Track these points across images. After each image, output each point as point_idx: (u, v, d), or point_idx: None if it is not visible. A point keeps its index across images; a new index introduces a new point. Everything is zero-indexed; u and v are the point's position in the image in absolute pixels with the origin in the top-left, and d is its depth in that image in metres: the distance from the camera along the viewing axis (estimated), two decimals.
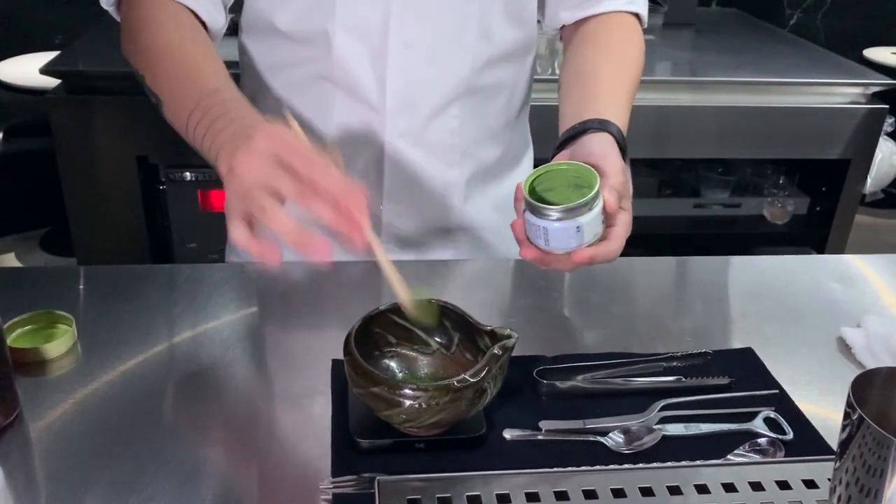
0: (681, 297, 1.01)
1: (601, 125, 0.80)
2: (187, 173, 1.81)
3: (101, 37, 1.96)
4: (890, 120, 2.19)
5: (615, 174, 0.73)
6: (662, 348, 0.80)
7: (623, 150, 0.80)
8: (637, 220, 2.23)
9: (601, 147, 0.76)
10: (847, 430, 0.53)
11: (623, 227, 0.73)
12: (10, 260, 2.93)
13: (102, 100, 1.75)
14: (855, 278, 1.01)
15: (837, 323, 0.87)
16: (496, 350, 0.65)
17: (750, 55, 2.14)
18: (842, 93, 1.95)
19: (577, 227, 0.68)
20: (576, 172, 0.72)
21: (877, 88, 1.95)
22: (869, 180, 1.99)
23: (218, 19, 0.92)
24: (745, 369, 0.79)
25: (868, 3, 3.88)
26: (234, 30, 1.01)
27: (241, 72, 1.03)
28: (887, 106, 1.92)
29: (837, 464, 0.55)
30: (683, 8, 2.33)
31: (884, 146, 2.38)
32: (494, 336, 0.66)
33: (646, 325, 0.91)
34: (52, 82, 1.81)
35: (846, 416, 0.53)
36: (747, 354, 0.82)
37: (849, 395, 0.52)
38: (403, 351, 0.71)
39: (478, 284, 1.00)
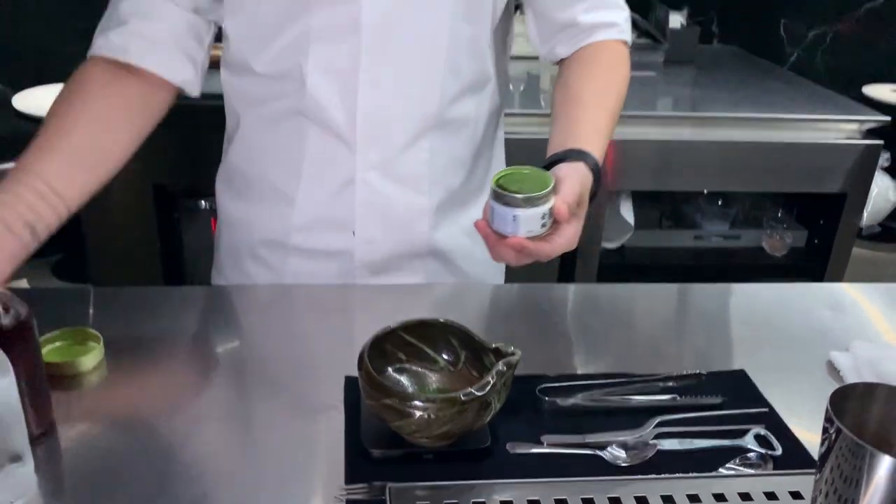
0: (678, 321, 1.05)
1: (579, 155, 0.87)
2: (202, 202, 1.87)
3: None
4: (885, 155, 2.24)
5: (569, 189, 0.81)
6: (659, 370, 0.85)
7: (597, 176, 0.88)
8: (639, 251, 2.25)
9: (568, 170, 0.84)
10: (826, 442, 0.57)
11: (564, 239, 0.81)
12: (23, 286, 2.99)
13: None
14: (845, 306, 1.05)
15: (827, 347, 0.91)
16: (501, 366, 0.69)
17: (749, 92, 2.20)
18: (838, 129, 2.01)
19: (514, 217, 0.77)
20: (536, 176, 0.80)
21: (872, 125, 2.00)
22: (865, 214, 2.04)
23: (185, 74, 0.97)
24: (738, 390, 0.83)
25: (867, 40, 3.95)
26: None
27: (225, 103, 1.08)
28: (882, 142, 1.98)
29: (818, 475, 0.59)
30: (684, 45, 2.40)
31: (879, 181, 2.43)
32: (499, 353, 0.71)
33: (644, 348, 0.95)
34: None
35: (825, 430, 0.57)
36: (739, 376, 0.86)
37: (827, 409, 0.57)
38: (413, 367, 0.76)
39: (480, 308, 1.05)
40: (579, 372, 0.86)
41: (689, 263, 2.15)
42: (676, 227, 2.19)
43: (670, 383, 0.82)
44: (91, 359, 0.81)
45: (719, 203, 2.17)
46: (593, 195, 0.88)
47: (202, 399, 0.81)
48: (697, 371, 0.83)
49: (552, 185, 0.78)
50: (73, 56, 3.01)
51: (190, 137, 1.77)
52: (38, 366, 0.71)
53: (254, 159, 1.05)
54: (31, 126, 2.74)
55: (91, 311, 0.95)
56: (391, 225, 1.03)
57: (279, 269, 1.06)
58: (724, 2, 3.90)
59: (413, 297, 1.04)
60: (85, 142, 0.91)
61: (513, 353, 0.70)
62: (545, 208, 0.77)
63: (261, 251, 1.07)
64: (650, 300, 1.08)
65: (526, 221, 0.77)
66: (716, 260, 2.17)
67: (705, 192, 2.19)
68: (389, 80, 0.95)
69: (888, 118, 1.99)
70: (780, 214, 2.18)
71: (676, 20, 2.43)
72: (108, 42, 0.94)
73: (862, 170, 1.98)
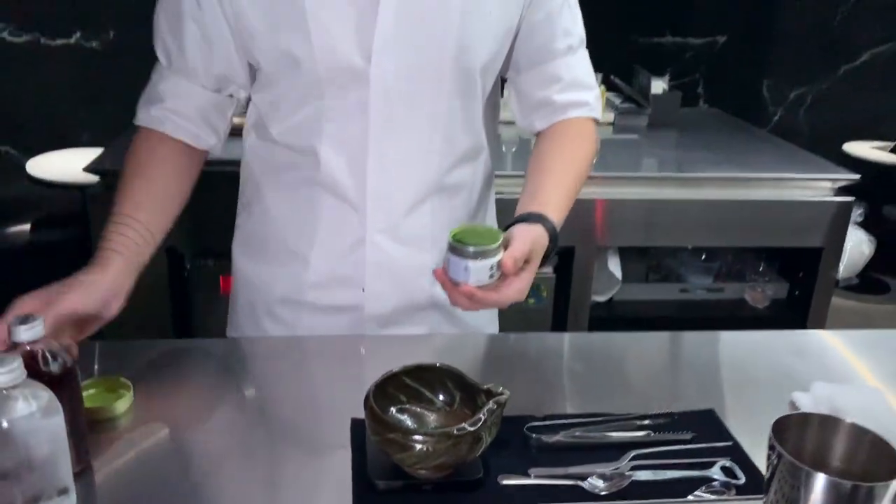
0: (655, 366, 1.14)
1: (537, 219, 0.99)
2: (210, 261, 1.97)
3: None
4: (859, 210, 2.35)
5: (518, 247, 0.92)
6: (636, 410, 0.93)
7: (553, 237, 0.99)
8: (628, 304, 2.35)
9: (522, 230, 0.96)
10: (770, 466, 0.66)
11: (513, 290, 0.92)
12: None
13: None
14: (808, 351, 1.15)
15: (790, 388, 1.00)
16: (491, 405, 0.78)
17: (729, 152, 2.33)
18: (813, 187, 2.13)
19: (465, 267, 0.88)
20: (488, 232, 0.92)
21: (844, 182, 2.12)
22: (841, 267, 2.14)
23: (210, 141, 1.12)
24: (707, 427, 0.92)
25: (847, 100, 4.12)
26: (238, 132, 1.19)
27: (242, 170, 1.20)
28: (853, 198, 2.09)
29: (765, 496, 0.68)
30: (666, 109, 2.53)
31: (854, 235, 2.54)
32: (490, 394, 0.80)
33: (623, 391, 1.04)
34: (81, 177, 2.00)
35: (769, 455, 0.66)
36: (708, 415, 0.95)
37: (770, 437, 0.65)
38: (413, 408, 0.85)
39: (476, 354, 1.14)
40: (563, 412, 0.94)
41: (675, 315, 2.25)
42: (663, 281, 2.30)
43: (646, 421, 0.91)
44: (123, 404, 0.89)
45: (703, 258, 2.27)
46: (548, 254, 0.99)
47: (223, 439, 0.89)
48: (670, 411, 0.92)
49: (500, 241, 0.89)
50: (83, 122, 3.13)
51: (198, 204, 1.88)
52: (79, 409, 0.80)
53: (271, 224, 1.15)
54: (44, 190, 2.85)
55: (120, 361, 1.04)
56: (397, 281, 1.13)
57: (293, 324, 1.15)
58: (709, 65, 4.08)
59: (416, 345, 1.13)
60: (163, 194, 1.08)
61: (501, 394, 0.79)
62: (493, 261, 0.89)
63: (277, 308, 1.17)
64: (630, 348, 1.17)
65: (476, 272, 0.88)
66: (701, 312, 2.26)
67: (690, 247, 2.30)
68: (394, 152, 1.06)
69: (858, 176, 2.11)
70: (761, 268, 2.28)
71: (658, 85, 2.57)
72: (149, 116, 1.09)
73: (836, 225, 2.09)
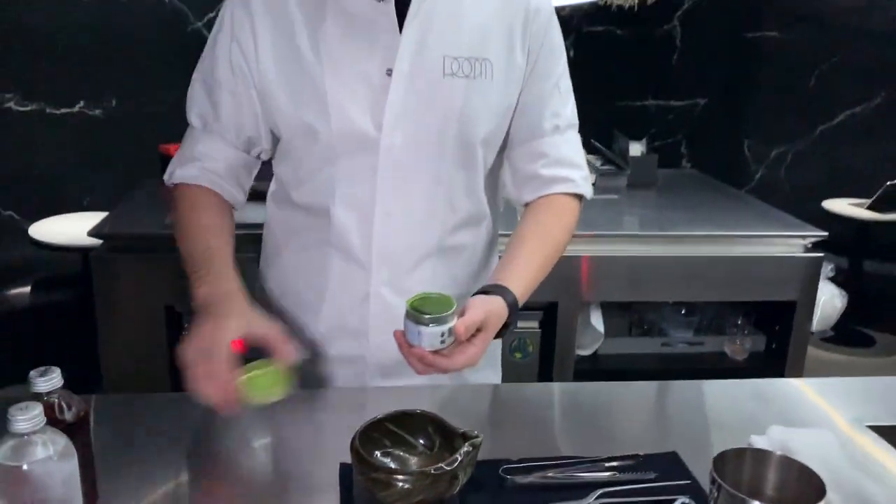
0: (624, 413, 1.21)
1: (500, 290, 1.09)
2: None
3: (137, 204, 2.26)
4: (830, 266, 2.45)
5: (471, 316, 1.02)
6: (605, 453, 1.01)
7: (512, 310, 1.09)
8: (611, 357, 2.44)
9: (480, 301, 1.07)
10: (712, 499, 0.73)
11: (464, 357, 1.02)
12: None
13: (137, 257, 2.02)
14: (768, 398, 1.23)
15: (750, 432, 1.07)
16: (466, 447, 0.85)
17: (706, 211, 2.44)
18: (785, 243, 2.23)
19: (419, 332, 0.97)
20: (443, 300, 1.00)
21: (814, 239, 2.22)
22: (815, 320, 2.22)
23: (238, 198, 1.24)
24: (670, 467, 0.99)
25: (826, 159, 4.27)
26: (254, 197, 1.29)
27: (264, 233, 1.31)
28: (823, 254, 2.19)
29: None
30: (644, 171, 2.65)
31: (826, 289, 2.64)
32: (466, 437, 0.87)
33: (594, 435, 1.11)
34: (82, 241, 2.09)
35: (710, 488, 0.74)
36: (672, 456, 1.02)
37: (711, 471, 0.73)
38: (396, 451, 0.92)
39: (464, 405, 1.21)
40: (538, 455, 1.01)
41: (658, 368, 2.32)
42: (645, 335, 2.38)
43: (613, 463, 0.99)
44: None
45: (683, 312, 2.36)
46: (508, 325, 1.09)
47: (227, 479, 0.96)
48: (636, 453, 1.00)
49: (453, 309, 0.98)
50: (84, 187, 3.22)
51: None
52: (90, 454, 0.87)
53: (287, 280, 1.26)
54: (45, 253, 2.93)
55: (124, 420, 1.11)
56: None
57: (305, 374, 1.23)
58: (690, 126, 4.24)
59: (414, 396, 1.19)
60: (228, 232, 1.19)
61: (477, 437, 0.87)
62: (445, 328, 0.98)
63: None
64: (604, 396, 1.25)
65: (428, 337, 0.98)
66: (682, 365, 2.34)
67: (671, 301, 2.39)
68: (399, 214, 1.16)
69: (826, 233, 2.21)
70: (739, 321, 2.37)
71: (637, 149, 2.70)
72: (186, 174, 1.21)
73: (808, 279, 2.19)
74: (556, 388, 1.40)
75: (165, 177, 1.24)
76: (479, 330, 1.03)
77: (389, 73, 1.11)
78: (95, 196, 3.35)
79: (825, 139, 4.30)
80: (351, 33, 1.12)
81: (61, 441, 0.77)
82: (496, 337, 1.10)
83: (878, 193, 3.64)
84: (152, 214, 2.14)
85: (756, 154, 4.37)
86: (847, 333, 3.74)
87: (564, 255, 1.98)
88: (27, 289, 3.45)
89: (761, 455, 0.75)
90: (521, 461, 0.99)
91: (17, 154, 3.40)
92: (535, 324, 2.21)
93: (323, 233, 1.19)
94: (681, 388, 1.27)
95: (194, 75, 1.22)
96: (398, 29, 1.12)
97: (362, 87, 1.12)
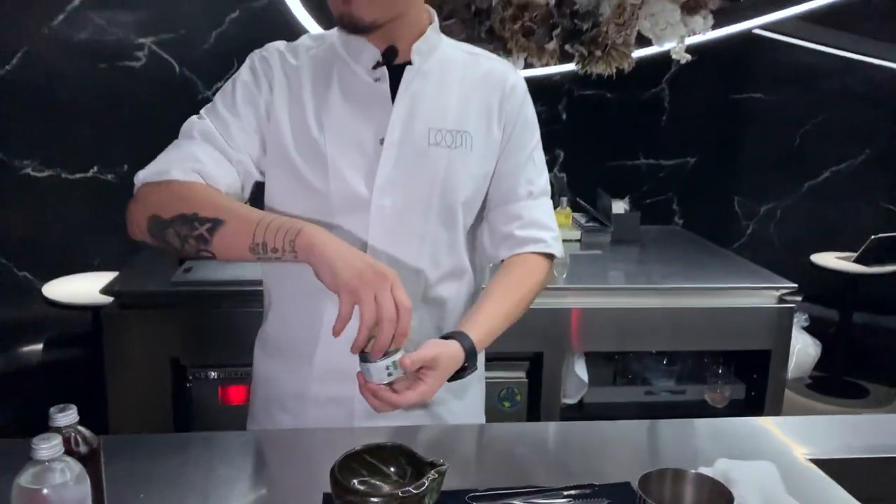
0: (588, 448, 1.31)
1: (458, 336, 1.21)
2: (211, 372, 2.17)
3: (144, 264, 2.40)
4: (804, 316, 2.56)
5: (420, 352, 1.13)
6: (565, 483, 1.11)
7: (468, 351, 1.21)
8: (596, 406, 2.55)
9: (434, 342, 1.19)
10: None
11: (415, 393, 1.14)
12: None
13: (145, 313, 2.15)
14: (719, 434, 1.33)
15: (697, 464, 1.17)
16: (433, 474, 0.97)
17: (684, 265, 2.57)
18: (758, 295, 2.35)
19: (367, 369, 1.09)
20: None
21: (785, 291, 2.34)
22: (790, 368, 2.33)
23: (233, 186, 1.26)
24: (621, 495, 1.09)
25: (814, 214, 4.40)
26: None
27: (264, 279, 1.40)
28: (793, 305, 2.31)
29: None
30: (627, 228, 2.79)
31: (799, 339, 2.74)
32: (433, 465, 0.99)
33: (556, 467, 1.22)
34: (92, 299, 2.22)
35: None
36: (625, 486, 1.12)
37: (637, 489, 0.84)
38: (372, 480, 1.03)
39: (441, 442, 1.32)
40: (502, 485, 1.12)
41: (641, 416, 2.41)
42: (629, 384, 2.48)
43: (571, 491, 1.09)
44: None
45: (664, 362, 2.46)
46: (466, 368, 1.21)
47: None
48: (591, 483, 1.11)
49: (399, 347, 1.10)
50: (95, 249, 3.35)
51: (199, 320, 2.10)
52: (100, 482, 0.99)
53: (283, 327, 1.36)
54: (56, 312, 3.05)
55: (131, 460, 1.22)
56: None
57: (301, 415, 1.34)
58: (681, 184, 4.38)
59: (397, 435, 1.29)
60: None
61: (442, 465, 0.98)
62: (388, 361, 1.09)
63: (287, 402, 1.36)
64: (569, 433, 1.37)
65: (376, 371, 1.10)
66: (665, 413, 2.43)
67: (653, 351, 2.49)
68: (388, 265, 1.26)
69: (796, 285, 2.33)
70: (720, 371, 2.47)
71: (620, 206, 2.84)
72: (185, 172, 1.19)
73: (781, 328, 2.30)
74: (527, 427, 1.50)
75: (148, 174, 1.21)
76: (430, 368, 1.14)
77: (382, 142, 1.27)
78: (105, 256, 3.49)
79: (812, 195, 4.44)
80: (350, 107, 1.28)
81: (76, 468, 0.89)
82: (455, 378, 1.21)
83: (863, 247, 3.73)
84: (159, 273, 2.28)
85: (746, 210, 4.50)
86: (840, 385, 3.82)
87: (550, 307, 2.11)
88: (39, 346, 3.57)
89: (680, 474, 0.86)
90: (487, 490, 1.09)
91: (34, 217, 3.56)
92: (522, 374, 2.32)
93: (317, 282, 1.27)
94: (641, 427, 1.37)
95: (201, 112, 1.28)
96: (391, 104, 1.27)
97: (358, 154, 1.27)
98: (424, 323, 1.33)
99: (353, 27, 1.22)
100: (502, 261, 1.40)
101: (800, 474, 1.20)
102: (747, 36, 3.34)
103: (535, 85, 2.50)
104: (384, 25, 1.23)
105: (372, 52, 1.27)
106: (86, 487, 0.90)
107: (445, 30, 2.15)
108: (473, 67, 1.36)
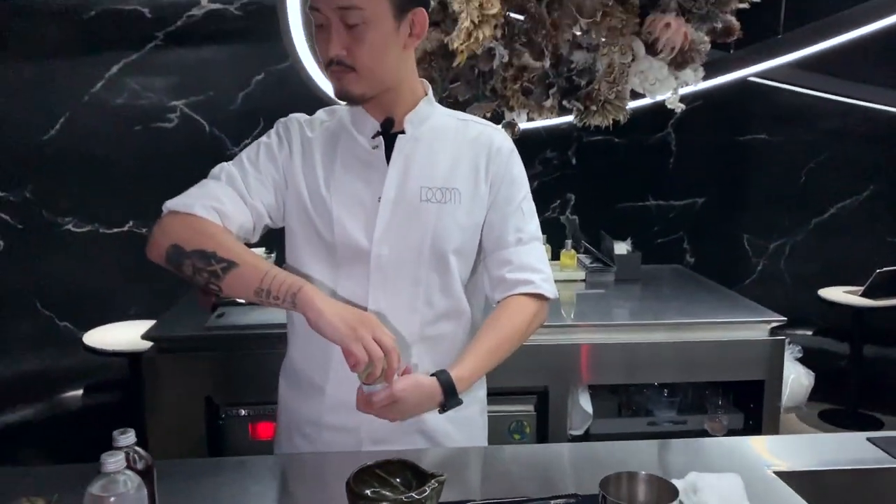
0: (578, 465, 1.47)
1: (438, 373, 1.38)
2: (242, 410, 2.35)
3: (179, 311, 2.61)
4: (798, 347, 2.68)
5: (403, 377, 1.33)
6: (551, 493, 1.27)
7: (445, 384, 1.37)
8: (601, 437, 2.70)
9: (416, 375, 1.37)
10: None
11: (386, 392, 1.31)
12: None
13: (181, 356, 2.35)
14: (695, 451, 1.48)
15: (671, 477, 1.33)
16: (434, 483, 1.13)
17: (682, 302, 2.72)
18: (751, 328, 2.49)
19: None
20: None
21: (776, 324, 2.48)
22: (784, 398, 2.46)
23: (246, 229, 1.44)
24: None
25: (823, 251, 4.51)
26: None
27: (286, 315, 1.57)
28: (783, 338, 2.45)
29: None
30: (629, 268, 2.95)
31: (793, 369, 2.87)
32: (434, 476, 1.15)
33: (543, 481, 1.37)
34: (130, 346, 2.41)
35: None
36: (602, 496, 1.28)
37: (599, 491, 1.00)
38: (382, 491, 1.19)
39: (445, 462, 1.48)
40: (496, 497, 1.28)
41: None
42: (633, 416, 2.62)
43: (557, 500, 1.25)
44: None
45: (666, 393, 2.60)
46: (447, 400, 1.37)
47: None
48: (574, 493, 1.26)
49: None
50: (131, 299, 3.56)
51: (232, 362, 2.29)
52: (153, 493, 1.16)
53: (300, 361, 1.53)
54: (95, 359, 3.24)
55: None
56: None
57: (317, 441, 1.51)
58: (691, 224, 4.53)
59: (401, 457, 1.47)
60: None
61: (442, 475, 1.15)
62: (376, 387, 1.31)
63: (305, 428, 1.53)
64: (561, 453, 1.52)
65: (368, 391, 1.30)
66: None
67: (655, 384, 2.64)
68: (386, 307, 1.45)
69: (785, 318, 2.48)
70: (719, 401, 2.60)
71: (622, 248, 3.00)
72: (206, 209, 1.36)
73: (773, 359, 2.44)
74: (521, 448, 1.66)
75: (175, 204, 1.37)
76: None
77: (379, 199, 1.46)
78: (140, 306, 3.70)
79: (820, 231, 4.55)
80: (353, 171, 1.48)
81: (136, 480, 1.07)
82: (442, 410, 1.38)
83: (869, 281, 3.82)
84: (194, 320, 2.49)
85: (755, 248, 4.63)
86: (854, 417, 3.90)
87: (556, 343, 2.27)
88: (79, 392, 3.78)
89: (634, 476, 1.02)
90: (483, 500, 1.26)
91: (74, 270, 3.79)
92: (530, 407, 2.47)
93: None
94: (625, 446, 1.53)
95: (232, 161, 1.48)
96: (386, 167, 1.47)
97: (359, 210, 1.46)
98: (423, 359, 1.49)
99: (348, 99, 1.43)
100: (497, 303, 1.55)
101: (764, 485, 1.35)
102: (745, 81, 3.49)
103: (544, 133, 2.70)
104: (377, 98, 1.43)
105: (372, 124, 1.48)
106: (143, 497, 1.08)
107: (452, 91, 2.36)
108: (464, 132, 1.54)
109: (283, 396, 1.60)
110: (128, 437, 1.13)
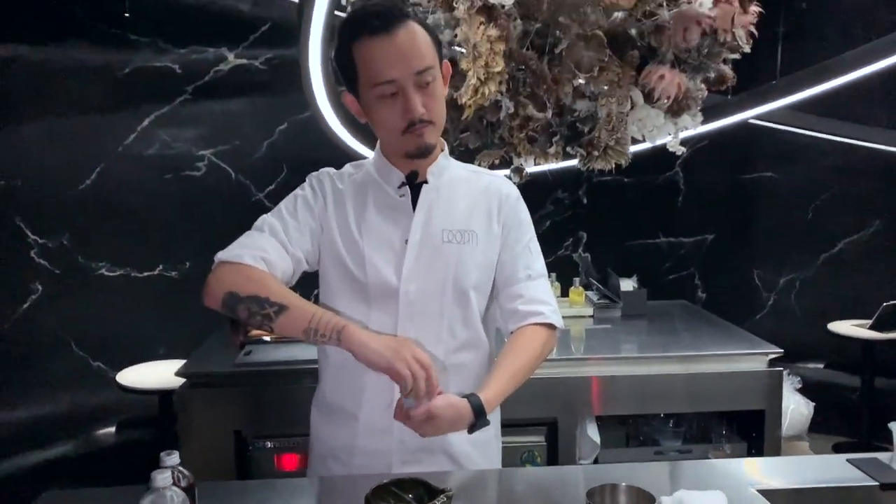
0: (572, 484, 1.59)
1: (468, 396, 1.49)
2: (268, 442, 2.49)
3: (209, 349, 2.78)
4: (797, 379, 2.79)
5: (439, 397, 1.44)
6: None
7: (476, 407, 1.49)
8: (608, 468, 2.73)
9: (451, 396, 1.48)
10: None
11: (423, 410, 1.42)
12: None
13: (212, 391, 2.50)
14: (687, 471, 1.60)
15: (660, 496, 1.46)
16: (442, 497, 1.27)
17: (686, 335, 2.85)
18: (750, 359, 2.61)
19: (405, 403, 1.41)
20: None
21: (774, 355, 2.60)
22: (784, 427, 2.56)
23: (288, 275, 1.58)
24: None
25: (832, 285, 4.60)
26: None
27: (318, 355, 1.71)
28: (781, 369, 2.56)
29: None
30: (635, 304, 3.08)
31: (792, 399, 2.97)
32: (443, 491, 1.29)
33: (545, 500, 1.50)
34: (160, 384, 2.56)
35: None
36: None
37: (586, 501, 1.14)
38: None
39: (460, 482, 1.62)
40: None
41: None
42: (641, 445, 2.73)
43: None
44: None
45: (671, 423, 2.72)
46: (477, 421, 1.48)
47: None
48: None
49: None
50: (161, 339, 3.74)
51: (259, 397, 2.45)
52: None
53: (334, 392, 1.66)
54: (126, 397, 3.38)
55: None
56: None
57: (349, 464, 1.64)
58: (701, 260, 4.64)
59: (425, 478, 1.60)
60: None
61: (451, 491, 1.29)
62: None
63: (339, 453, 1.66)
64: (560, 473, 1.65)
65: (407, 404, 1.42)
66: None
67: (661, 414, 2.75)
68: (413, 338, 1.56)
69: (781, 350, 2.59)
70: (723, 431, 2.71)
71: (628, 284, 3.14)
72: (253, 258, 1.51)
73: (772, 390, 2.55)
74: (529, 470, 1.78)
75: (226, 255, 1.52)
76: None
77: (406, 241, 1.62)
78: (169, 345, 3.86)
79: (829, 266, 4.64)
80: (382, 216, 1.64)
81: (181, 496, 1.22)
82: (471, 431, 1.50)
83: (877, 314, 3.90)
84: (223, 357, 2.65)
85: (766, 283, 4.73)
86: (869, 450, 3.93)
87: (562, 377, 2.40)
88: (112, 429, 3.93)
89: (616, 487, 1.15)
90: None
91: (107, 313, 3.96)
92: (541, 438, 2.60)
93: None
94: (621, 468, 1.65)
95: (271, 212, 1.62)
96: (412, 213, 1.63)
97: (388, 251, 1.61)
98: (446, 386, 1.59)
99: (428, 152, 1.58)
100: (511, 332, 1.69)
101: (748, 501, 1.47)
102: (748, 122, 3.64)
103: (554, 175, 2.86)
104: None
105: (398, 175, 1.65)
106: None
107: (463, 140, 2.53)
108: (476, 182, 1.72)
109: (316, 426, 1.72)
110: (173, 458, 1.28)
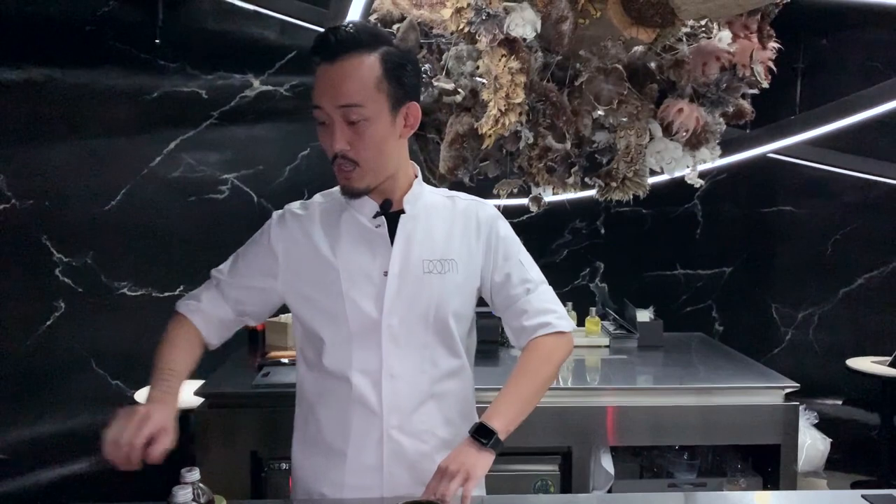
0: None
1: (477, 429, 1.50)
2: (283, 463, 2.51)
3: (227, 370, 2.81)
4: (814, 413, 2.77)
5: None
6: None
7: (474, 433, 1.50)
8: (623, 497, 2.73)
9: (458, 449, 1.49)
10: None
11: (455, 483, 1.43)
12: None
13: (229, 411, 2.53)
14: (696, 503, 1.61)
15: None
16: None
17: (702, 368, 2.84)
18: (766, 393, 2.60)
19: None
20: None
21: (790, 389, 2.59)
22: (800, 462, 2.54)
23: (213, 342, 1.66)
24: None
25: (850, 321, 4.57)
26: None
27: (297, 392, 1.71)
28: (797, 403, 2.55)
29: None
30: (651, 335, 3.09)
31: (808, 434, 2.95)
32: None
33: None
34: (182, 403, 2.57)
35: None
36: None
37: None
38: None
39: None
40: None
41: None
42: (655, 477, 2.72)
43: None
44: None
45: (685, 456, 2.70)
46: (483, 444, 1.48)
47: None
48: None
49: None
50: None
51: (274, 418, 2.47)
52: None
53: (321, 431, 1.63)
54: None
55: None
56: (407, 464, 1.60)
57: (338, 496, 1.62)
58: (719, 293, 4.63)
59: None
60: (188, 357, 1.63)
61: None
62: None
63: (324, 489, 1.64)
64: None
65: None
66: None
67: (676, 446, 2.74)
68: (399, 371, 1.58)
69: (797, 385, 2.59)
70: (738, 465, 2.69)
71: (645, 315, 3.14)
72: (187, 308, 1.65)
73: (788, 424, 2.54)
74: (542, 498, 1.79)
75: (178, 305, 1.66)
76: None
77: (385, 273, 1.58)
78: None
79: (848, 301, 4.62)
80: (358, 247, 1.61)
81: None
82: (495, 449, 1.49)
83: None
84: (240, 378, 2.68)
85: (784, 317, 4.70)
86: (890, 488, 3.88)
87: (577, 406, 2.40)
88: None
89: None
90: None
91: (127, 332, 3.98)
92: (555, 467, 2.59)
93: (345, 391, 1.58)
94: (635, 498, 1.66)
95: (237, 252, 1.68)
96: (389, 243, 1.61)
97: (367, 285, 1.57)
98: (434, 416, 1.62)
99: (354, 195, 1.56)
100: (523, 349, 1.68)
101: None
102: (766, 156, 3.65)
103: (572, 204, 2.89)
104: (378, 187, 1.58)
105: (371, 205, 1.62)
106: None
107: (482, 168, 2.57)
108: (452, 207, 1.70)
109: (300, 466, 1.69)
110: (193, 474, 1.31)
